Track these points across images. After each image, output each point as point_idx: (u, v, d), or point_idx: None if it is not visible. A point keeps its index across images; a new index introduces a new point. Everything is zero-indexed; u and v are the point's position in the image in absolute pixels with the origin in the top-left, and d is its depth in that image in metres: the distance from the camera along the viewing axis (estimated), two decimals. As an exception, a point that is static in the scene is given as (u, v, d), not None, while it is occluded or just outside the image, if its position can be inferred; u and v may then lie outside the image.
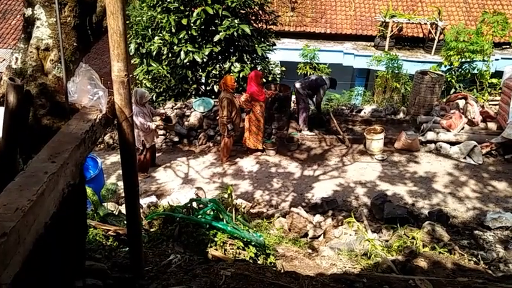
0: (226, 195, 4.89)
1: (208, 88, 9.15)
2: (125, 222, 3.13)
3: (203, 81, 9.27)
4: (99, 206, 4.21)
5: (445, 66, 10.78)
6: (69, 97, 1.93)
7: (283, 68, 10.98)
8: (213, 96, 8.68)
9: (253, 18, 9.33)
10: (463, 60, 10.37)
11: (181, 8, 8.27)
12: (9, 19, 15.92)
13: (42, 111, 1.94)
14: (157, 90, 8.96)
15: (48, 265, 1.74)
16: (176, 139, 8.01)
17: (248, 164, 7.34)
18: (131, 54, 8.86)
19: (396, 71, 10.94)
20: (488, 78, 10.29)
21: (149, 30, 8.70)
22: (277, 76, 10.30)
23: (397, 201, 6.00)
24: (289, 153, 7.70)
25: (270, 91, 7.88)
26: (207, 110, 8.17)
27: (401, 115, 8.76)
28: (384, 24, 13.94)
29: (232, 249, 3.50)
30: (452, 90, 10.32)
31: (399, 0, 15.31)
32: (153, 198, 5.91)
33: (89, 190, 4.28)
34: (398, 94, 10.68)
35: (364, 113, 8.93)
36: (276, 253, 4.10)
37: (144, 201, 5.62)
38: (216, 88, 8.68)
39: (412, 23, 14.23)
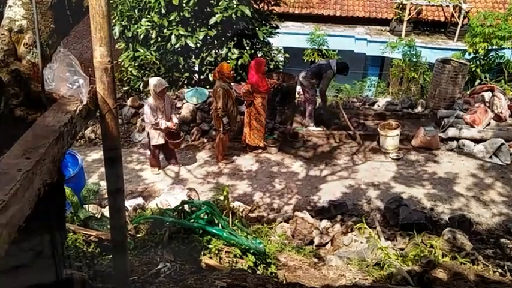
0: (222, 197, 4.90)
1: (202, 77, 9.14)
2: (108, 226, 3.13)
3: (196, 69, 9.25)
4: (79, 208, 4.23)
5: (470, 54, 10.77)
6: (46, 85, 1.93)
7: (287, 55, 10.96)
8: (207, 86, 8.67)
9: (254, -3, 9.31)
10: (490, 47, 10.36)
11: (173, -14, 8.24)
12: (-22, -3, 15.87)
13: (15, 101, 1.94)
14: (144, 78, 8.94)
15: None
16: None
17: (247, 162, 7.35)
18: (115, 38, 8.84)
19: (414, 59, 10.93)
20: (518, 67, 10.29)
21: (136, 11, 8.67)
22: (280, 64, 10.28)
23: (414, 205, 6.01)
24: (293, 151, 7.71)
25: (272, 81, 7.87)
26: (201, 101, 8.16)
27: (419, 109, 8.76)
28: (401, 6, 13.90)
29: (229, 257, 3.51)
30: (477, 81, 10.31)
31: (418, -21, 15.27)
32: (140, 200, 5.92)
33: (67, 190, 4.29)
34: (416, 85, 10.67)
35: (378, 106, 8.93)
36: (278, 262, 4.11)
37: (129, 203, 5.63)
38: (211, 77, 8.67)
39: (433, 5, 14.19)
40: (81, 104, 1.95)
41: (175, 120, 6.65)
